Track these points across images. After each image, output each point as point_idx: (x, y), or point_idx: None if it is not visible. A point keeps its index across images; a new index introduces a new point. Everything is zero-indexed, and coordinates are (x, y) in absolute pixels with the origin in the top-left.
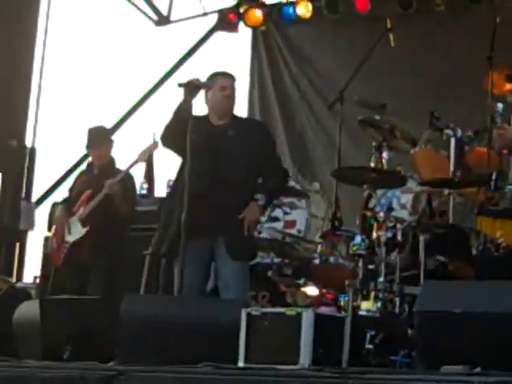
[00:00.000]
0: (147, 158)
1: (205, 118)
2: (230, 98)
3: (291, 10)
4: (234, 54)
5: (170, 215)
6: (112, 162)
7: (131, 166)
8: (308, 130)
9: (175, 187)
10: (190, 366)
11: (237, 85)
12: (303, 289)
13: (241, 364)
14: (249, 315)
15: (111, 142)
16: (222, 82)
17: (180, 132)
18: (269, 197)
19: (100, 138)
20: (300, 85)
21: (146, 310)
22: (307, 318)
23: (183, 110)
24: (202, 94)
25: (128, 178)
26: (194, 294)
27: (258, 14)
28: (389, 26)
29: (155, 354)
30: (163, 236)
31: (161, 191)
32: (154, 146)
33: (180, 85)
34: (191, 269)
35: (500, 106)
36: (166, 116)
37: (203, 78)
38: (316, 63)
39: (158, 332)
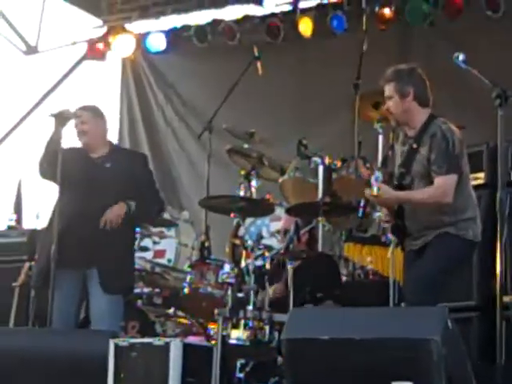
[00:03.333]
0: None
1: (82, 150)
2: (81, 132)
3: (159, 38)
4: (104, 83)
5: (44, 247)
6: None
7: None
8: (175, 158)
9: (51, 218)
10: None
11: (95, 118)
12: (173, 318)
13: None
14: (116, 346)
15: None
16: (77, 116)
17: (55, 163)
18: (139, 210)
19: None
20: (165, 112)
21: (12, 343)
22: (175, 347)
23: (54, 141)
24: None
25: None
26: (67, 325)
27: (127, 42)
28: (256, 54)
29: None
30: (41, 269)
31: (29, 223)
32: None
33: (51, 115)
34: (64, 300)
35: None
36: (39, 147)
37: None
38: (181, 91)
39: (24, 365)
